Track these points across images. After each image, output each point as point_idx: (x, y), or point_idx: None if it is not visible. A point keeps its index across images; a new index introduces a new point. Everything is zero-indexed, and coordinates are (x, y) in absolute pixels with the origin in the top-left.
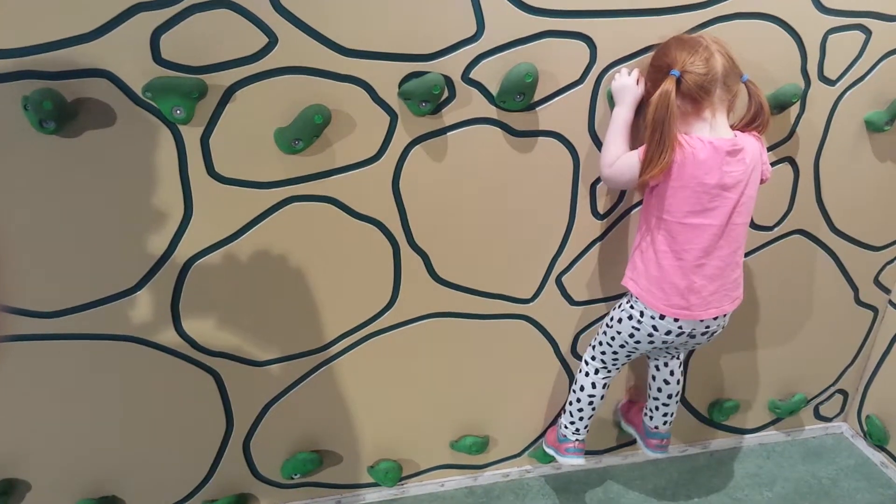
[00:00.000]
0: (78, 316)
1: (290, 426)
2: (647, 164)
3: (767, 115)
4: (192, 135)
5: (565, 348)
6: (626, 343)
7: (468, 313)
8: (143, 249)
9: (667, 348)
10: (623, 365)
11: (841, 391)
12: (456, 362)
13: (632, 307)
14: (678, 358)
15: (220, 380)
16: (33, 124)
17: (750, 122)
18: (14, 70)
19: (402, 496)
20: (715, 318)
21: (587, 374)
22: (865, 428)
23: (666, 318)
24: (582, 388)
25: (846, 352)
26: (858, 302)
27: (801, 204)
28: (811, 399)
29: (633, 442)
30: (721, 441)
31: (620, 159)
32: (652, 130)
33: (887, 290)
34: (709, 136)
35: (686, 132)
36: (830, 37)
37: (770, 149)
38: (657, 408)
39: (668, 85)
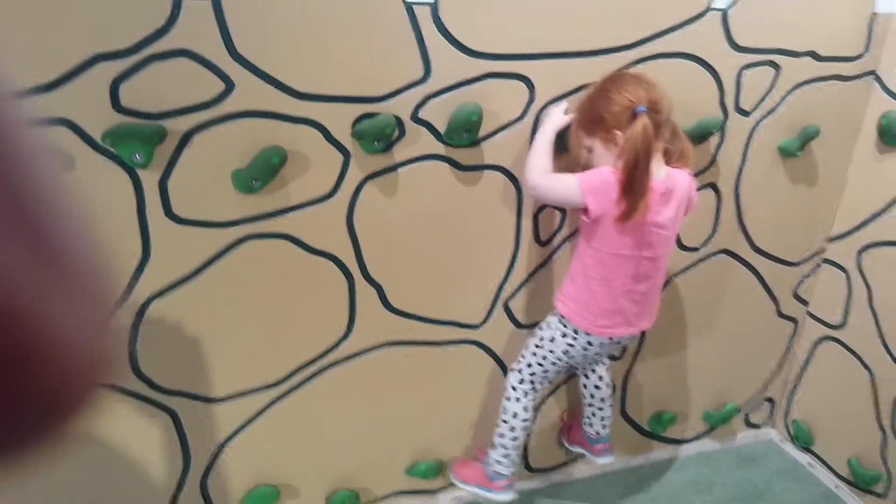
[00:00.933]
0: None
1: (247, 461)
2: (629, 210)
3: (690, 150)
4: (150, 178)
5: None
6: (559, 360)
7: (421, 340)
8: None
9: (595, 356)
10: (549, 383)
11: (768, 399)
12: (410, 389)
13: (564, 326)
14: (603, 363)
15: (177, 418)
16: None
17: (678, 159)
18: None
19: None
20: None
21: (518, 400)
22: (792, 432)
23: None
24: (515, 416)
25: (771, 362)
26: (780, 314)
27: (724, 226)
28: (741, 408)
29: (577, 458)
30: (661, 451)
31: (555, 177)
32: (632, 171)
33: (805, 302)
34: (652, 180)
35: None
36: (745, 72)
37: (695, 175)
38: (594, 413)
39: (645, 120)
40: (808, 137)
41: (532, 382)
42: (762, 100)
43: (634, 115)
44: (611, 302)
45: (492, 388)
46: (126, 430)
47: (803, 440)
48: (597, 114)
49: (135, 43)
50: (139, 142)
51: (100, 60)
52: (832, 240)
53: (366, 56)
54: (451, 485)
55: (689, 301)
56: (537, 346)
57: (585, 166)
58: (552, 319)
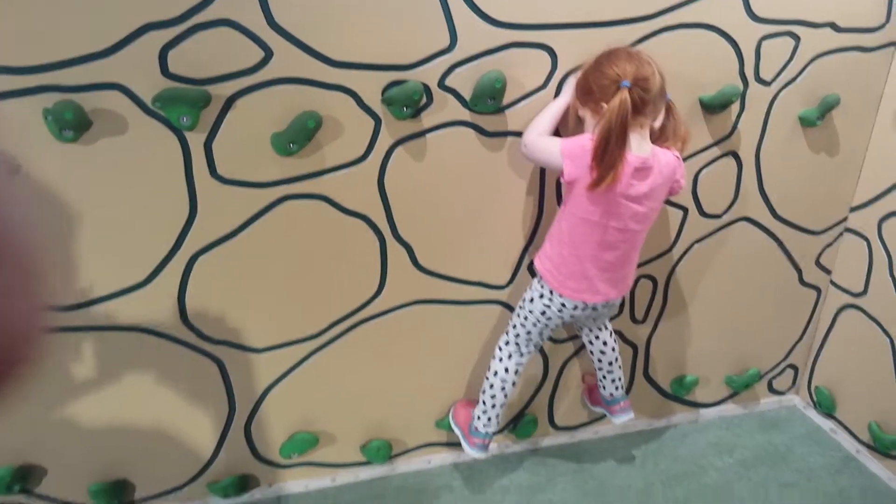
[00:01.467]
0: (92, 308)
1: (287, 409)
2: (597, 179)
3: (684, 133)
4: (196, 140)
5: None
6: (539, 321)
7: (449, 300)
8: (152, 246)
9: (577, 321)
10: (536, 346)
11: (791, 366)
12: (438, 346)
13: (542, 286)
14: (605, 328)
15: (223, 367)
16: (53, 133)
17: (668, 140)
18: (36, 85)
19: (392, 473)
20: (605, 302)
21: (501, 360)
22: (815, 398)
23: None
24: (496, 374)
25: (794, 329)
26: (802, 282)
27: (745, 193)
28: (764, 374)
29: (602, 417)
30: (683, 415)
31: (542, 138)
32: (605, 143)
33: (828, 271)
34: (632, 154)
35: None
36: (764, 43)
37: (715, 144)
38: (604, 377)
39: (624, 94)
40: (828, 107)
41: (517, 344)
42: (782, 70)
43: (617, 90)
44: (577, 265)
45: None
46: (177, 376)
47: (825, 406)
48: (588, 85)
49: (182, 13)
50: (186, 105)
51: (150, 29)
52: (854, 209)
53: (395, 26)
54: None
55: (711, 267)
56: (520, 307)
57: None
58: (533, 280)
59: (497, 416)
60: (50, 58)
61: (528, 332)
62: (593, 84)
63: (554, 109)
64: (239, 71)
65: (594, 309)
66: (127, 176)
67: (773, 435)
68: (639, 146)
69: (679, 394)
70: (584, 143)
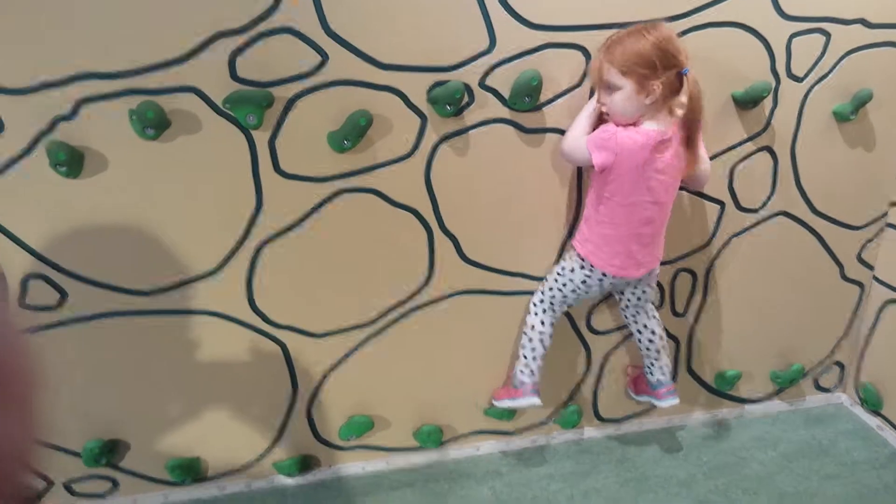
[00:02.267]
0: (169, 294)
1: (345, 392)
2: (692, 161)
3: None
4: (261, 138)
5: (581, 323)
6: (578, 289)
7: (494, 290)
8: (223, 236)
9: (616, 287)
10: (567, 308)
11: (838, 363)
12: (484, 335)
13: (582, 261)
14: (652, 316)
15: (286, 350)
16: (137, 132)
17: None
18: (123, 88)
19: (443, 458)
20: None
21: (536, 315)
22: (861, 395)
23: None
24: (532, 327)
25: (838, 325)
26: (844, 278)
27: (782, 188)
28: (809, 371)
29: (646, 411)
30: (728, 410)
31: (571, 141)
32: (697, 124)
33: (870, 267)
34: (651, 129)
35: (636, 123)
36: (794, 40)
37: (749, 139)
38: (652, 363)
39: (692, 82)
40: (861, 102)
41: (552, 304)
42: (814, 66)
43: (679, 76)
44: (620, 244)
45: (561, 338)
46: (246, 358)
47: (872, 403)
48: (650, 59)
49: (248, 21)
50: (252, 106)
51: (220, 37)
52: (894, 204)
53: (438, 30)
54: (528, 427)
55: (750, 261)
56: (559, 274)
57: (601, 103)
58: (573, 254)
59: (538, 367)
60: (134, 64)
61: (565, 297)
62: (658, 61)
63: (587, 114)
64: (299, 74)
65: (634, 279)
66: (201, 170)
67: (818, 430)
68: (661, 121)
69: (723, 388)
70: (605, 131)
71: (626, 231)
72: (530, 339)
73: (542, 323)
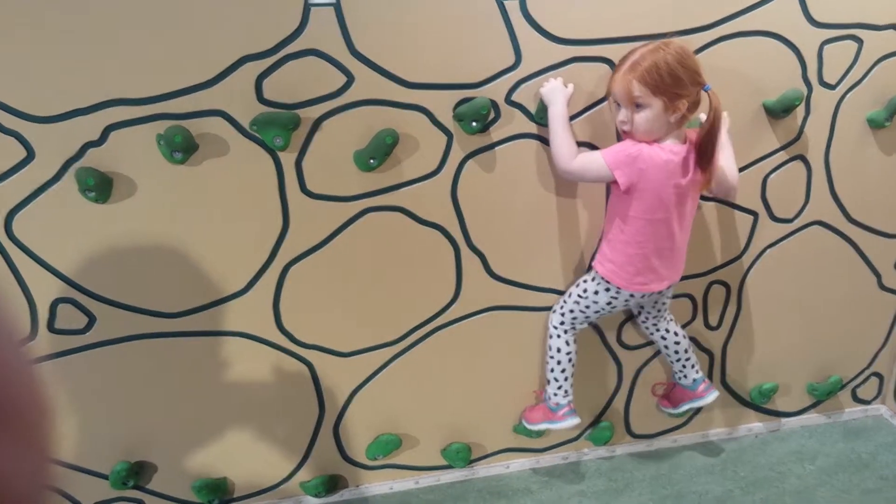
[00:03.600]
0: (197, 315)
1: (372, 411)
2: (708, 179)
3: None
4: (288, 159)
5: (612, 337)
6: (602, 309)
7: (522, 306)
8: (250, 256)
9: (642, 305)
10: (589, 324)
11: (876, 374)
12: (512, 352)
13: (607, 283)
14: (668, 318)
15: (313, 370)
16: (165, 156)
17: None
18: (150, 113)
19: (472, 477)
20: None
21: (559, 337)
22: None
23: None
24: (559, 350)
25: (877, 336)
26: (882, 287)
27: (816, 197)
28: (847, 382)
29: (680, 426)
30: (764, 424)
31: (584, 158)
32: (713, 140)
33: None
34: (674, 145)
35: (659, 140)
36: (826, 47)
37: (782, 148)
38: (683, 366)
39: (713, 97)
40: (895, 108)
41: (573, 324)
42: (846, 73)
43: (699, 92)
44: (643, 262)
45: (591, 354)
46: (273, 378)
47: None
48: (675, 77)
49: (274, 45)
50: (279, 128)
51: (247, 61)
52: None
53: (464, 47)
54: (559, 444)
55: (785, 271)
56: (580, 297)
57: (622, 121)
58: (595, 276)
59: (570, 385)
60: (161, 90)
61: (587, 318)
62: (686, 78)
63: (563, 122)
64: (325, 95)
65: (659, 294)
66: (228, 193)
67: (858, 443)
68: (682, 139)
69: (759, 402)
70: (628, 150)
71: (650, 248)
72: (558, 362)
73: (567, 343)
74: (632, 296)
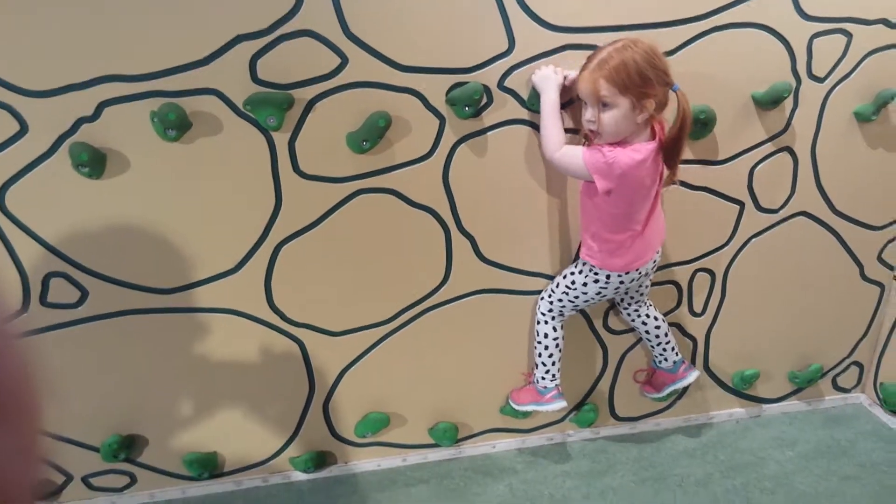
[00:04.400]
0: (189, 292)
1: (361, 390)
2: (671, 176)
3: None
4: (281, 139)
5: (598, 323)
6: (592, 299)
7: (511, 289)
8: (242, 235)
9: (630, 290)
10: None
11: (856, 363)
12: (501, 334)
13: (596, 273)
14: (646, 304)
15: (304, 348)
16: (159, 133)
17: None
18: (144, 90)
19: (459, 456)
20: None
21: (546, 323)
22: (881, 396)
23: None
24: (546, 336)
25: (858, 325)
26: (864, 278)
27: (802, 188)
28: (828, 371)
29: (663, 410)
30: (745, 410)
31: (567, 152)
32: (681, 139)
33: (891, 267)
34: (641, 144)
35: (627, 140)
36: (815, 40)
37: (769, 139)
38: (664, 349)
39: (682, 96)
40: (883, 102)
41: (561, 312)
42: (835, 66)
43: (666, 92)
44: (630, 245)
45: (578, 338)
46: (263, 356)
47: (892, 403)
48: (643, 76)
49: (268, 25)
50: (272, 108)
51: (241, 40)
52: None
53: (458, 32)
54: (544, 425)
55: (769, 261)
56: (569, 288)
57: (589, 120)
58: (582, 267)
59: (558, 370)
60: (156, 67)
61: (575, 306)
62: (655, 78)
63: (554, 109)
64: (319, 76)
65: (645, 275)
66: (221, 171)
67: (837, 430)
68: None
69: (741, 388)
70: (607, 157)
71: (632, 233)
72: (546, 347)
73: (554, 329)
74: (621, 282)
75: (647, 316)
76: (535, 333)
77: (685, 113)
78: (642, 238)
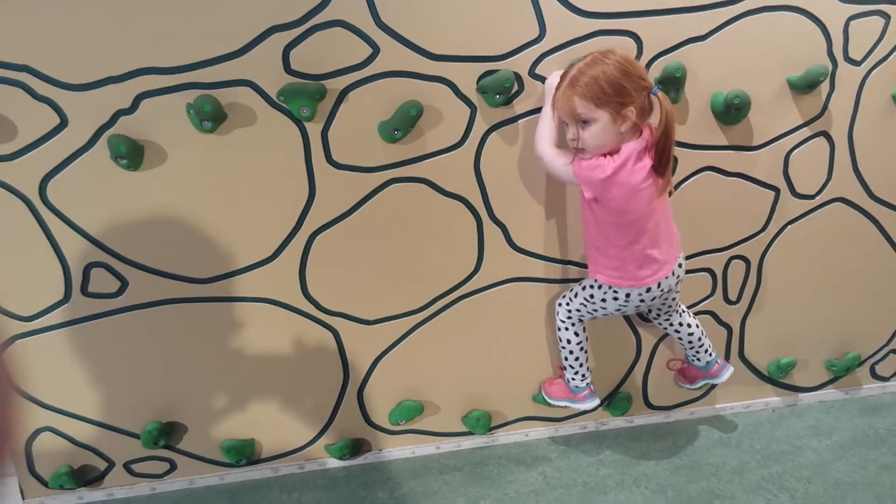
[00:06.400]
0: (225, 281)
1: (395, 378)
2: (667, 183)
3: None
4: (314, 130)
5: None
6: (613, 313)
7: (543, 278)
8: (277, 225)
9: (652, 306)
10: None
11: (895, 351)
12: (533, 322)
13: (615, 291)
14: (679, 311)
15: (338, 336)
16: (195, 125)
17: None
18: (180, 83)
19: (492, 444)
20: (673, 272)
21: (567, 329)
22: None
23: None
24: (569, 342)
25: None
26: None
27: (839, 174)
28: (866, 359)
29: (697, 399)
30: (782, 399)
31: (556, 159)
32: (669, 144)
33: None
34: (632, 143)
35: (619, 144)
36: (852, 23)
37: (805, 124)
38: (697, 351)
39: (664, 99)
40: None
41: (581, 320)
42: (872, 49)
43: (648, 97)
44: (642, 256)
45: (612, 326)
46: (299, 344)
47: None
48: (617, 87)
49: (301, 15)
50: (305, 98)
51: (274, 31)
52: None
53: (488, 19)
54: (577, 414)
55: (805, 248)
56: (588, 300)
57: (571, 139)
58: (598, 285)
59: (588, 368)
60: (191, 59)
61: (594, 318)
62: (628, 85)
63: (550, 115)
64: (350, 66)
65: (668, 290)
66: (256, 162)
67: (875, 419)
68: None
69: (777, 376)
70: (595, 170)
71: (642, 243)
72: (570, 352)
73: (576, 334)
74: (642, 300)
75: (681, 325)
76: (559, 339)
77: (668, 115)
78: (651, 254)
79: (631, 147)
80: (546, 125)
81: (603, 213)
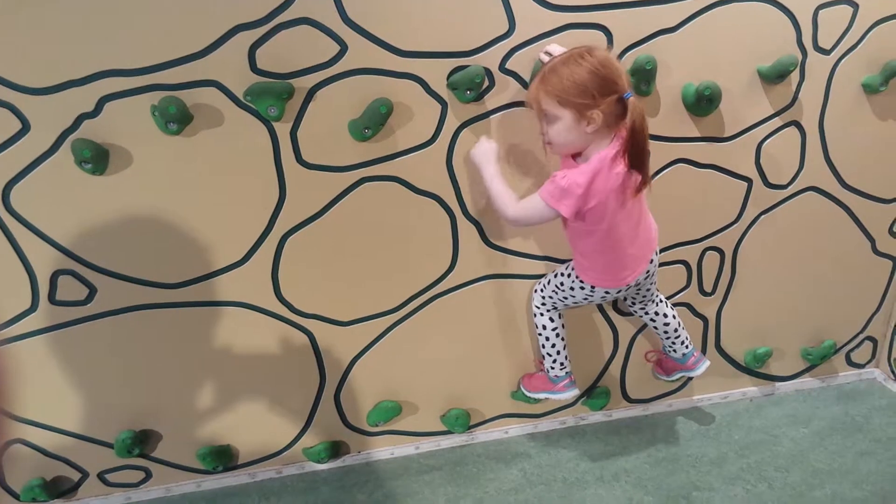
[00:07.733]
0: (196, 286)
1: (372, 379)
2: (644, 180)
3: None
4: (283, 129)
5: (608, 305)
6: (580, 302)
7: (518, 274)
8: (247, 227)
9: (626, 296)
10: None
11: (870, 338)
12: (510, 319)
13: (582, 282)
14: (657, 301)
15: (313, 339)
16: (160, 127)
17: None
18: (144, 84)
19: (471, 442)
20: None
21: (542, 315)
22: (895, 370)
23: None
24: (545, 328)
25: (870, 300)
26: (876, 252)
27: (810, 163)
28: (841, 347)
29: (675, 391)
30: (759, 388)
31: (525, 205)
32: (644, 148)
33: None
34: (604, 150)
35: (586, 144)
36: (821, 12)
37: (776, 114)
38: (673, 342)
39: (636, 104)
40: (891, 73)
41: (555, 307)
42: (841, 38)
43: (621, 101)
44: (620, 261)
45: (585, 321)
46: (273, 348)
47: None
48: (580, 88)
49: (266, 14)
50: (273, 98)
51: (239, 30)
52: None
53: (457, 15)
54: (556, 409)
55: (780, 237)
56: (559, 286)
57: (541, 133)
58: (571, 272)
59: (566, 357)
60: (154, 60)
61: (566, 305)
62: (595, 89)
63: (497, 176)
64: (318, 64)
65: (637, 285)
66: (224, 163)
67: (851, 406)
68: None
69: (753, 366)
70: (559, 182)
71: (621, 249)
72: (547, 338)
73: (551, 320)
74: (607, 293)
75: (657, 314)
76: (535, 325)
77: (633, 123)
78: (632, 253)
79: (602, 154)
80: (497, 188)
81: (582, 226)
